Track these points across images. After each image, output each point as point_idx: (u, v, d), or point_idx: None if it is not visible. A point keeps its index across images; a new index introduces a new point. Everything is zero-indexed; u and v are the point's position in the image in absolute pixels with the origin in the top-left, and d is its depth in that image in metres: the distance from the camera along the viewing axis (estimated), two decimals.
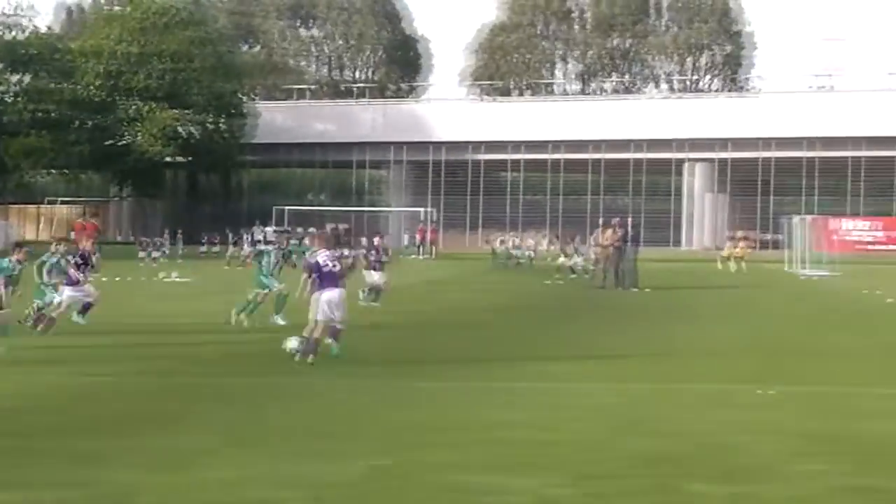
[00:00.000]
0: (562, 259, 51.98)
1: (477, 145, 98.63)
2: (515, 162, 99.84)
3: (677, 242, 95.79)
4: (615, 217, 46.79)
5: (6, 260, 21.14)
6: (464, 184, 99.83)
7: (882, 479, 10.27)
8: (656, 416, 13.78)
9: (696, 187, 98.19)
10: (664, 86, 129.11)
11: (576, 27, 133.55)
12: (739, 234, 76.12)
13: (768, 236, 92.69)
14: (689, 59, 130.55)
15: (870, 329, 26.17)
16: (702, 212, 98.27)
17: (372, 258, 31.68)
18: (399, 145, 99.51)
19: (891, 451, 11.58)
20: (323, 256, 19.16)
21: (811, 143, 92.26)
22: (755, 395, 15.45)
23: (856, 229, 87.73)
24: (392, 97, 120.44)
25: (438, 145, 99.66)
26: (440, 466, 10.82)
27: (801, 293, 41.17)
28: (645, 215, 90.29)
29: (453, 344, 22.11)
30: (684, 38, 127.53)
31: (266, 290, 25.31)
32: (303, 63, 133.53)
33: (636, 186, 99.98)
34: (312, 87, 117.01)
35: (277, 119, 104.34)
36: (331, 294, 18.74)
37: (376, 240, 33.40)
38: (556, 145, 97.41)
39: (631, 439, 12.14)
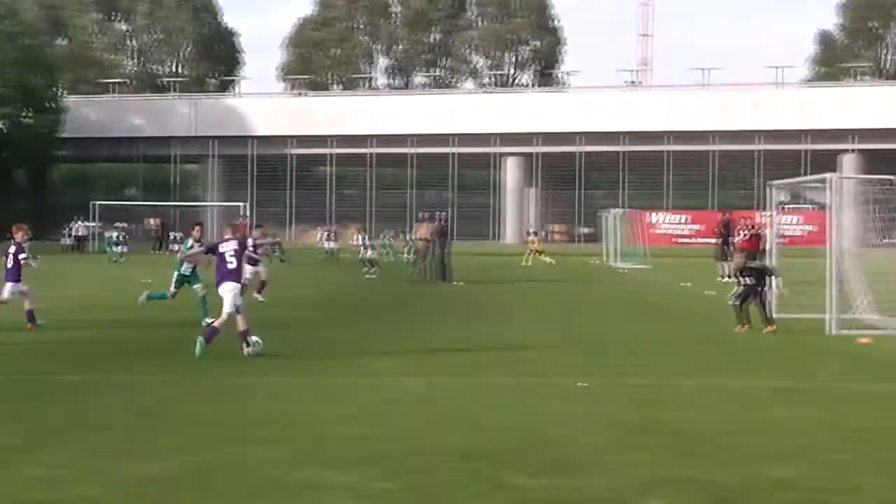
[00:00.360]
0: (361, 253, 51.78)
1: (294, 140, 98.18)
2: (333, 156, 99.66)
3: (496, 236, 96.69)
4: (434, 211, 46.90)
5: None
6: (281, 178, 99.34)
7: (698, 470, 10.37)
8: (476, 409, 13.76)
9: (513, 181, 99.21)
10: (480, 80, 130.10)
11: (391, 21, 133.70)
12: (531, 229, 77.22)
13: (584, 230, 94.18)
14: (504, 54, 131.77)
15: (685, 321, 26.64)
16: (519, 206, 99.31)
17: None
18: (214, 140, 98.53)
19: (707, 442, 11.72)
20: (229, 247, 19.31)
21: (623, 137, 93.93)
22: (574, 387, 15.56)
23: (665, 222, 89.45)
24: (207, 91, 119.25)
25: (255, 140, 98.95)
26: (259, 462, 10.66)
27: (617, 286, 41.81)
28: (464, 209, 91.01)
29: (271, 339, 21.87)
30: (499, 32, 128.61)
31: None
32: (115, 57, 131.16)
33: (454, 181, 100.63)
34: (126, 81, 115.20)
35: (91, 114, 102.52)
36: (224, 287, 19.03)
37: (256, 233, 32.91)
38: (373, 139, 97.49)
39: (451, 433, 12.09)
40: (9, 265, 23.90)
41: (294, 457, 10.92)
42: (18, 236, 24.18)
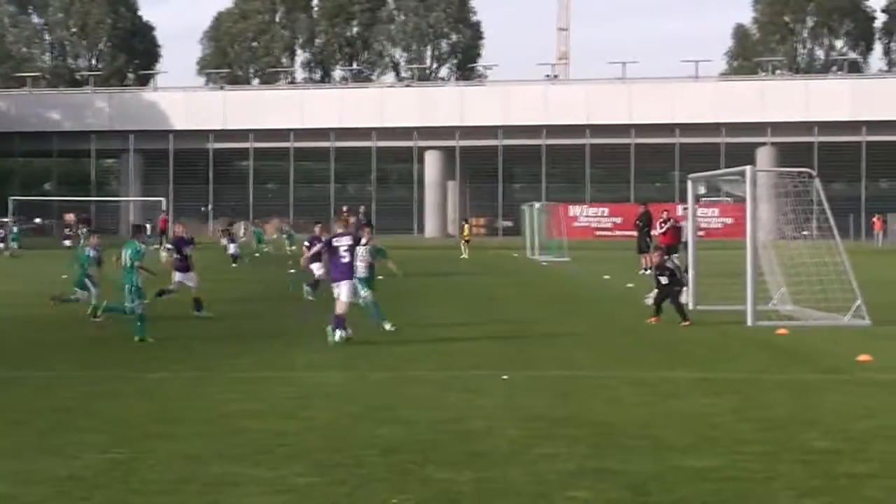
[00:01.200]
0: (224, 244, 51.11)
1: (213, 134, 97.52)
2: (253, 150, 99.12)
3: (417, 230, 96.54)
4: (356, 205, 46.73)
5: None
6: (201, 173, 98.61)
7: (618, 462, 10.45)
8: (399, 403, 13.77)
9: (433, 175, 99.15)
10: (400, 74, 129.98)
11: (310, 15, 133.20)
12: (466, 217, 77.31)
13: (505, 223, 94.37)
14: (424, 47, 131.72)
15: (605, 314, 26.79)
16: (440, 199, 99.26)
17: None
18: (132, 134, 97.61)
19: (623, 433, 11.80)
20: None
21: (543, 130, 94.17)
22: (495, 380, 15.61)
23: (585, 215, 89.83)
24: (124, 86, 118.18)
25: (174, 134, 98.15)
26: (178, 457, 10.62)
27: (538, 279, 41.96)
28: (385, 203, 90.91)
29: (192, 334, 21.76)
30: (418, 26, 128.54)
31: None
32: (30, 51, 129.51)
33: (375, 174, 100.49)
34: (42, 75, 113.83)
35: (6, 108, 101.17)
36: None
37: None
38: (294, 134, 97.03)
39: (374, 427, 12.09)
40: None
41: (213, 452, 10.87)
42: None
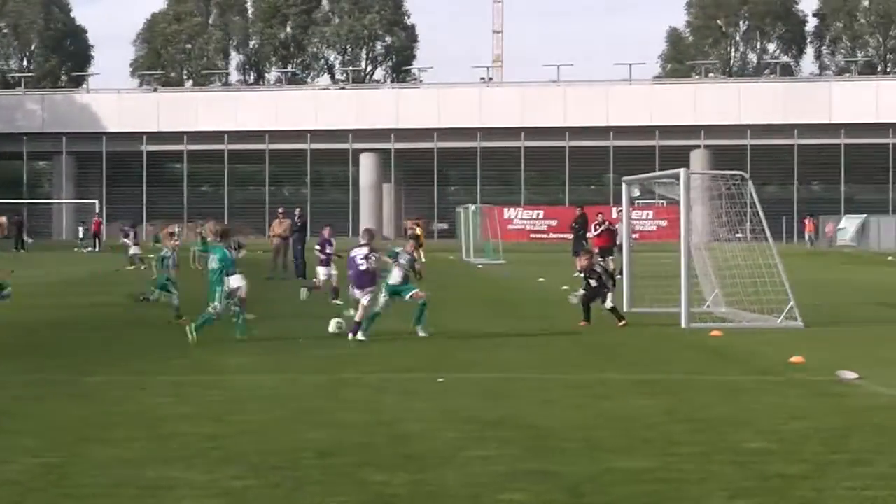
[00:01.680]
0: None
1: (147, 136, 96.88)
2: (186, 153, 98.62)
3: (352, 232, 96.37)
4: (292, 208, 46.45)
5: None
6: (135, 175, 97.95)
7: (553, 464, 10.46)
8: (333, 406, 13.74)
9: (369, 177, 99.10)
10: (335, 76, 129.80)
11: (244, 16, 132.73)
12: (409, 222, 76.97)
13: (441, 226, 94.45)
14: (359, 50, 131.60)
15: (540, 316, 26.84)
16: (375, 202, 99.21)
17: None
18: (65, 136, 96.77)
19: (558, 436, 11.83)
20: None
21: (478, 133, 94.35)
22: (430, 383, 15.60)
23: (520, 218, 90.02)
24: (57, 87, 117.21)
25: (107, 136, 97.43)
26: (110, 461, 10.53)
27: (473, 281, 42.01)
28: (320, 206, 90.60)
29: (123, 338, 21.63)
30: (353, 28, 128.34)
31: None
32: None
33: (312, 177, 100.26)
34: None
35: None
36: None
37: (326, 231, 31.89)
38: (228, 136, 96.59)
39: (307, 430, 12.05)
40: None
41: (147, 455, 10.79)
42: None
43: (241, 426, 12.33)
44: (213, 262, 21.55)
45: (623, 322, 23.84)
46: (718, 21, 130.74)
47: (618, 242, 39.45)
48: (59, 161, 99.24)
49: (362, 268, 21.43)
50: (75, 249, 74.16)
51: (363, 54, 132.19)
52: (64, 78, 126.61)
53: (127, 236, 52.72)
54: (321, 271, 30.62)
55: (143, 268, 44.25)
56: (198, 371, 16.92)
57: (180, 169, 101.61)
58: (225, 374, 16.71)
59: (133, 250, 50.21)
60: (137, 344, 20.63)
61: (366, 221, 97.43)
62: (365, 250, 21.63)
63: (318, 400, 14.23)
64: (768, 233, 25.17)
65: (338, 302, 28.69)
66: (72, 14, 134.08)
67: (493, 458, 10.69)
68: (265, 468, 10.24)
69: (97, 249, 73.15)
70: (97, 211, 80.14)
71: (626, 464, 10.42)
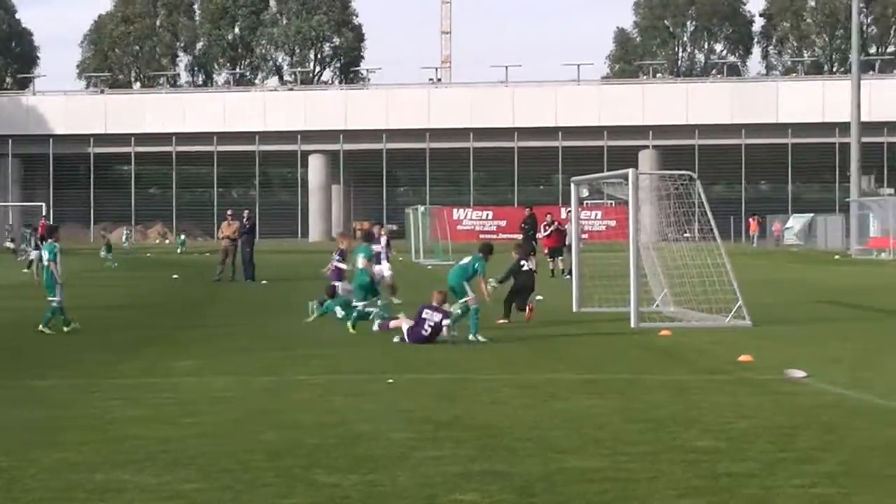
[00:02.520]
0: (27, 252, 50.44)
1: (94, 138, 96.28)
2: (134, 155, 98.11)
3: (301, 234, 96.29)
4: (242, 209, 46.31)
5: None
6: (82, 177, 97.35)
7: (504, 464, 10.51)
8: (283, 407, 13.73)
9: (317, 179, 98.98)
10: (283, 78, 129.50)
11: (193, 18, 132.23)
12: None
13: (391, 227, 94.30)
14: (307, 51, 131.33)
15: (487, 317, 26.84)
16: (326, 204, 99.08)
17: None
18: (11, 139, 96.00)
19: (509, 435, 11.87)
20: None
21: (427, 134, 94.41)
22: (380, 384, 15.62)
23: (469, 218, 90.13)
24: (3, 90, 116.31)
25: (54, 138, 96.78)
26: (63, 465, 10.48)
27: (423, 282, 42.00)
28: (269, 208, 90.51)
29: (72, 341, 21.50)
30: (301, 29, 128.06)
31: None
32: None
33: (261, 179, 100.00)
34: None
35: None
36: None
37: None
38: (176, 138, 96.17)
39: (257, 431, 12.03)
40: None
41: (97, 459, 10.73)
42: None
43: (192, 429, 12.30)
44: (361, 261, 23.89)
45: (506, 321, 24.55)
46: (666, 21, 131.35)
47: (567, 243, 39.64)
48: (4, 164, 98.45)
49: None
50: (14, 250, 73.08)
51: (311, 55, 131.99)
52: (9, 80, 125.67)
53: (24, 241, 51.65)
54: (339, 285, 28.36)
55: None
56: (148, 374, 16.86)
57: (128, 171, 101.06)
58: (175, 376, 16.65)
59: (33, 255, 49.14)
60: (86, 347, 20.52)
61: (315, 223, 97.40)
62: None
63: (268, 401, 14.21)
64: (716, 232, 25.34)
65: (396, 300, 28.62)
66: (17, 16, 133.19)
67: (445, 458, 10.72)
68: (216, 471, 10.23)
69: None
70: (43, 213, 79.53)
71: (577, 463, 10.48)
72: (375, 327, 22.71)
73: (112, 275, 47.16)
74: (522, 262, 25.55)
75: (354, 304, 23.83)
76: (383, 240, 30.75)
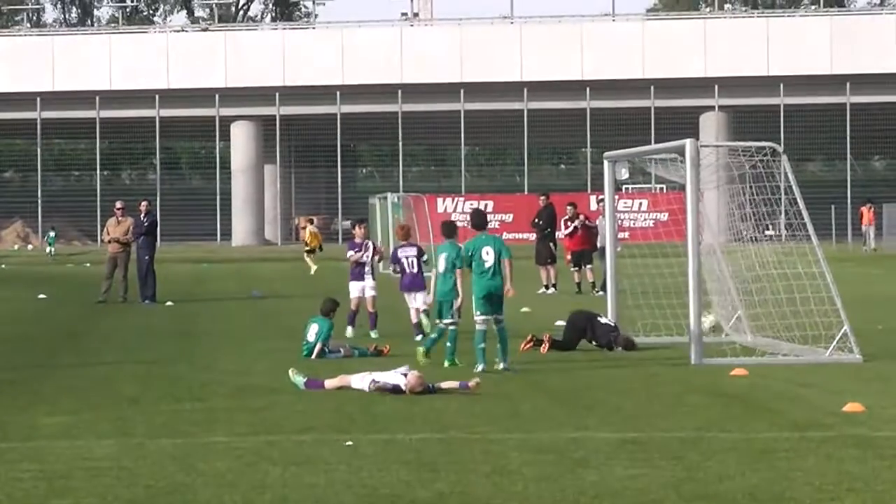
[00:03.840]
0: None
1: None
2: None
3: (221, 235, 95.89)
4: (131, 201, 46.21)
5: None
6: None
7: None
8: (191, 482, 13.66)
9: (245, 157, 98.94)
10: (193, 13, 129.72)
11: None
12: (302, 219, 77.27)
13: (347, 224, 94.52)
14: None
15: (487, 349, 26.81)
16: (256, 191, 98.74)
17: None
18: None
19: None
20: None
21: (397, 90, 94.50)
22: (334, 447, 15.60)
23: (458, 211, 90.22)
24: None
25: None
26: None
27: (395, 301, 41.93)
28: (174, 198, 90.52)
29: None
30: None
31: None
32: None
33: (163, 157, 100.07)
34: None
35: None
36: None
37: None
38: (42, 99, 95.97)
39: None
40: None
41: None
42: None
43: None
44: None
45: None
46: None
47: (598, 245, 39.65)
48: None
49: (414, 270, 28.07)
50: None
51: None
52: None
53: None
54: (353, 287, 30.66)
55: None
56: (6, 438, 16.73)
57: None
58: (38, 439, 16.54)
59: None
60: None
61: (240, 220, 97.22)
62: (413, 251, 28.44)
63: (173, 474, 14.13)
64: (811, 228, 25.27)
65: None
66: None
67: None
68: None
69: None
70: None
71: None
72: (301, 384, 21.24)
73: None
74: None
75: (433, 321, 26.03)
76: (368, 245, 31.07)
